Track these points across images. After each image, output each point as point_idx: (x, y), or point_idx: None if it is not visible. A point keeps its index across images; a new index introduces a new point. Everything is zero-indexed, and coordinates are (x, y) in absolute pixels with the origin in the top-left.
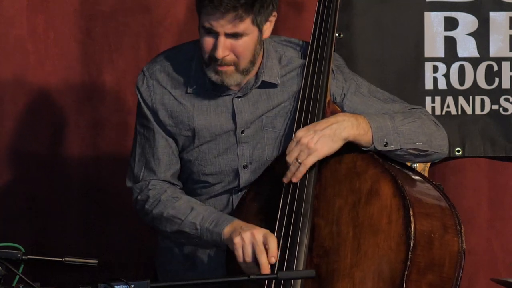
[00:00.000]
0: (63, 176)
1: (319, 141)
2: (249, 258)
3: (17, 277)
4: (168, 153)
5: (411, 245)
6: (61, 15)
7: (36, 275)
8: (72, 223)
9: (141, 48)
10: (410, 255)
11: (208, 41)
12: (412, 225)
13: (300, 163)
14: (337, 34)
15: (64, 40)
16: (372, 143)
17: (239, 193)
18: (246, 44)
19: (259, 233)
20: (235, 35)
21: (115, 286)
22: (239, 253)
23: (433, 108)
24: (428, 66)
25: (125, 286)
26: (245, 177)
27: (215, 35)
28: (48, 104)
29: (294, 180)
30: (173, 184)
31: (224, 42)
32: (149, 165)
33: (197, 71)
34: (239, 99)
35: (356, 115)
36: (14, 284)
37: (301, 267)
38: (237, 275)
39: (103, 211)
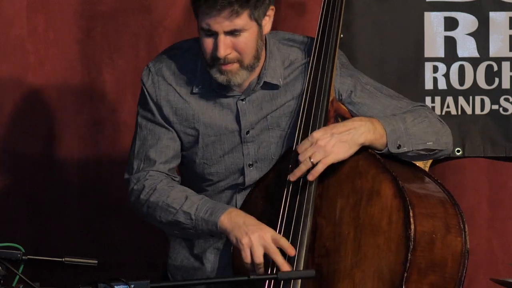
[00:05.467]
0: (63, 176)
1: (336, 145)
2: (259, 259)
3: (17, 277)
4: (170, 146)
5: (411, 247)
6: (61, 15)
7: (36, 275)
8: (72, 223)
9: (141, 48)
10: (409, 257)
11: (208, 42)
12: (412, 227)
13: (312, 163)
14: None
15: (64, 40)
16: (386, 146)
17: (243, 191)
18: (246, 40)
19: (267, 233)
20: (234, 32)
21: (115, 286)
22: (246, 253)
23: (433, 108)
24: (428, 66)
25: (125, 286)
26: (251, 175)
27: (215, 35)
28: (48, 104)
29: (311, 178)
30: (171, 177)
31: (224, 40)
32: (149, 156)
33: (203, 71)
34: (243, 102)
35: (371, 118)
36: (14, 284)
37: (301, 267)
38: (237, 275)
39: (103, 211)
